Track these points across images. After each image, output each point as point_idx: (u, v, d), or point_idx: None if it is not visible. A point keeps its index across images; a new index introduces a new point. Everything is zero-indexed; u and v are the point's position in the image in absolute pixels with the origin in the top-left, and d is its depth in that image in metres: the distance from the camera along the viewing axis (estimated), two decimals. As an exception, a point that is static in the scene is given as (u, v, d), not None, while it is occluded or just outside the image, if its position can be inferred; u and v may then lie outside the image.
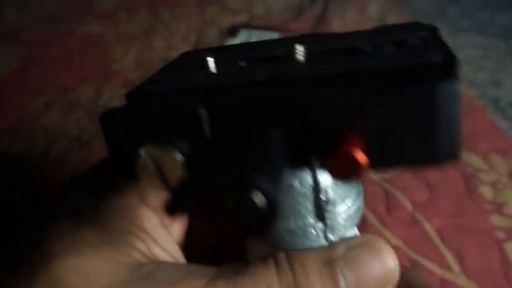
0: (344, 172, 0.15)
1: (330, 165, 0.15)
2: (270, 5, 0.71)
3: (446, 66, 0.15)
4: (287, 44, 0.22)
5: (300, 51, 0.19)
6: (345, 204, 0.20)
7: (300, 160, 0.17)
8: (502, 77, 0.51)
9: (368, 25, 0.65)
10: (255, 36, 0.62)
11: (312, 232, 0.20)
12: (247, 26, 0.66)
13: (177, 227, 0.22)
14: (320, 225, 0.20)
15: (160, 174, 0.16)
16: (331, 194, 0.20)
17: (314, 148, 0.16)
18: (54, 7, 0.77)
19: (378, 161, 0.15)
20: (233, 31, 0.65)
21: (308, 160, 0.17)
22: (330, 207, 0.20)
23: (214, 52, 0.23)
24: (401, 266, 0.20)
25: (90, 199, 0.21)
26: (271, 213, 0.13)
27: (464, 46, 0.58)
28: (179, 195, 0.15)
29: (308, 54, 0.19)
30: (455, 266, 0.33)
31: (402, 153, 0.16)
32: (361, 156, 0.15)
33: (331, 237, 0.20)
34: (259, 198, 0.13)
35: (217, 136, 0.17)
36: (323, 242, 0.20)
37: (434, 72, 0.15)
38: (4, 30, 0.72)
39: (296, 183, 0.19)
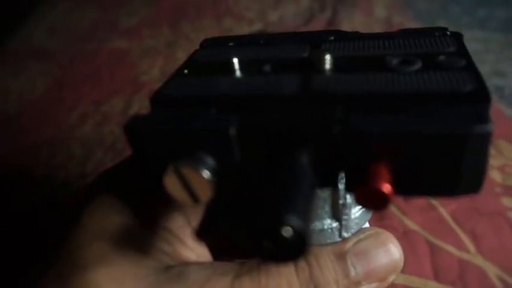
0: (372, 204, 0.15)
1: (357, 196, 0.15)
2: (283, 12, 0.71)
3: (478, 102, 0.15)
4: (312, 41, 0.21)
5: (326, 59, 0.18)
6: (359, 206, 0.21)
7: (326, 181, 0.16)
8: (504, 67, 0.52)
9: (376, 26, 0.66)
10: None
11: (328, 231, 0.21)
12: (263, 33, 0.67)
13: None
14: (336, 225, 0.21)
15: (188, 189, 0.16)
16: (348, 198, 0.20)
17: (340, 168, 0.16)
18: (82, 26, 0.78)
19: (402, 190, 0.15)
20: (250, 39, 0.67)
21: (334, 182, 0.16)
22: (346, 210, 0.20)
23: (236, 45, 0.23)
24: None
25: (117, 203, 0.21)
26: (302, 246, 0.13)
27: (467, 41, 0.59)
28: (210, 217, 0.15)
29: (334, 62, 0.18)
30: (471, 247, 0.34)
31: (427, 184, 0.15)
32: (388, 190, 0.14)
33: (345, 234, 0.21)
34: (290, 233, 0.13)
35: (247, 155, 0.16)
36: (337, 239, 0.21)
37: (466, 113, 0.14)
38: (36, 50, 0.72)
39: None
